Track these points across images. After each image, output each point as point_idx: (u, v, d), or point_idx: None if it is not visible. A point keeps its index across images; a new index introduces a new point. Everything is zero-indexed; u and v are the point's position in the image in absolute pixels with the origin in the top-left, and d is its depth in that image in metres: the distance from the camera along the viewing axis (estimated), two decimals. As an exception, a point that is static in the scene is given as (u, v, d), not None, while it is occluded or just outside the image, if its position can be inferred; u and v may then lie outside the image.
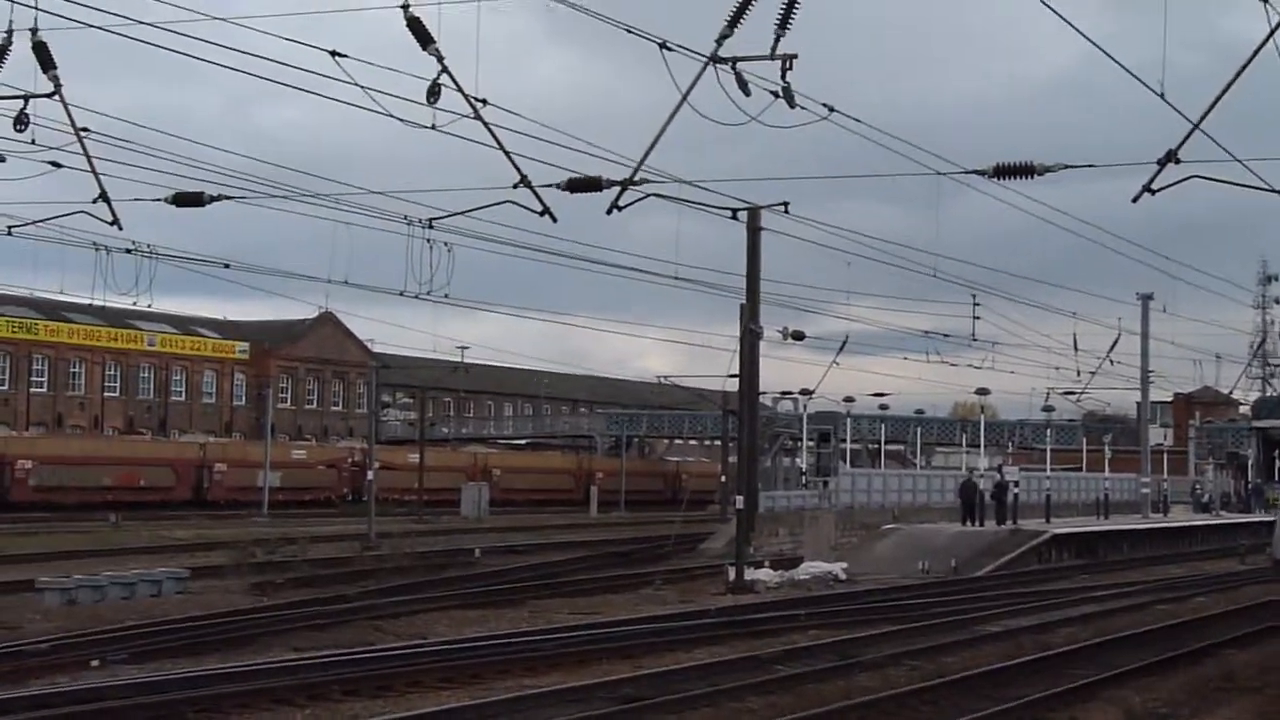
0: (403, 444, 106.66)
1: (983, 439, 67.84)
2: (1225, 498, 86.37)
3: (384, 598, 34.06)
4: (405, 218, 28.50)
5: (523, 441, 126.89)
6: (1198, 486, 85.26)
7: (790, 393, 78.44)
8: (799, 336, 54.85)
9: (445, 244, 27.64)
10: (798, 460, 70.55)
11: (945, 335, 65.56)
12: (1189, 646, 26.05)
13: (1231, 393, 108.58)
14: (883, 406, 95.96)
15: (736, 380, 48.02)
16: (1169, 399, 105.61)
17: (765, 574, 41.58)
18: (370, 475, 64.22)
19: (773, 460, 70.99)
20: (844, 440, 78.36)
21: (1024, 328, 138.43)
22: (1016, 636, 28.33)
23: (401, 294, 29.98)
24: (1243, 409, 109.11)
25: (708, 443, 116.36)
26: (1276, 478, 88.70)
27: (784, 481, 68.96)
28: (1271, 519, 49.44)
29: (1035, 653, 25.25)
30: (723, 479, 72.42)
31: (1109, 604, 35.39)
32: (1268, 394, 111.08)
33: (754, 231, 49.57)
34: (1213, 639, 27.26)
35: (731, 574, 40.15)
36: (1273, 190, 22.75)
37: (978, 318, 58.06)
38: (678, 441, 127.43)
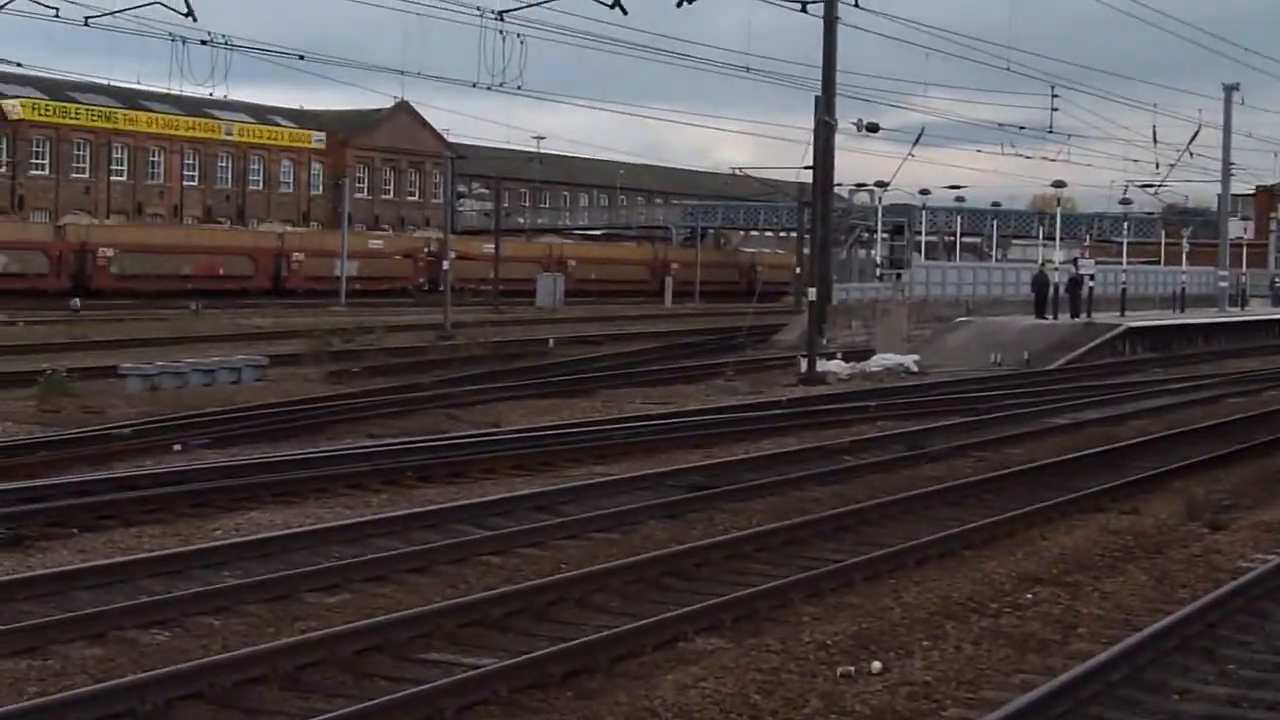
0: (478, 234, 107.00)
1: (1058, 232, 67.36)
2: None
3: (458, 386, 34.47)
4: (478, 9, 28.42)
5: (598, 232, 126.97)
6: (1277, 280, 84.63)
7: (865, 185, 78.13)
8: (874, 129, 54.50)
9: (518, 35, 27.60)
10: (872, 253, 70.44)
11: (1021, 128, 65.04)
12: (1256, 439, 26.17)
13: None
14: (958, 199, 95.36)
15: (811, 172, 47.92)
16: (1250, 191, 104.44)
17: (837, 365, 41.80)
18: (446, 265, 64.64)
19: (847, 252, 70.79)
20: (919, 233, 78.13)
21: (1102, 120, 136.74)
22: (1084, 429, 28.50)
23: (474, 85, 30.03)
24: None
25: (782, 234, 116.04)
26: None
27: (858, 274, 68.85)
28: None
29: (1102, 444, 25.43)
30: (797, 271, 72.44)
31: (1180, 397, 35.49)
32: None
33: (829, 23, 49.03)
34: (1279, 431, 27.37)
35: (803, 365, 40.39)
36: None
37: (1055, 109, 57.59)
38: (753, 233, 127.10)
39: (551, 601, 13.48)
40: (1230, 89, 69.21)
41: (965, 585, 14.60)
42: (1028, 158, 69.67)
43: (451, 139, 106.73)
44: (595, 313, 77.56)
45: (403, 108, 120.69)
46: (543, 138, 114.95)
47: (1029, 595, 14.32)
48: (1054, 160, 71.34)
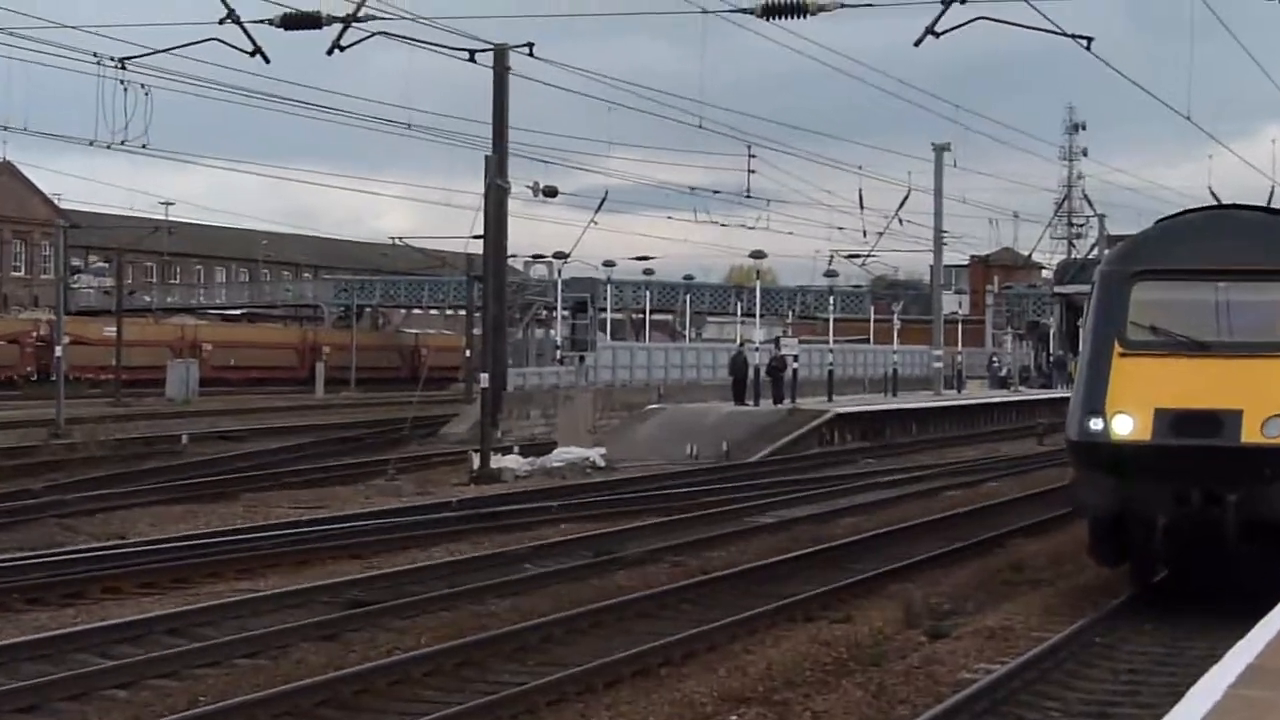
0: (98, 315, 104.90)
1: (758, 308, 68.74)
2: (1025, 371, 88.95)
3: (75, 492, 33.72)
4: (95, 55, 28.01)
5: (238, 311, 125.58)
6: (995, 359, 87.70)
7: (543, 256, 78.78)
8: (551, 193, 55.04)
9: (142, 86, 27.25)
10: (552, 332, 70.97)
11: (715, 191, 66.36)
12: (977, 537, 26.98)
13: (1032, 255, 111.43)
14: (647, 271, 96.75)
15: (482, 242, 48.10)
16: (965, 262, 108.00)
17: (513, 461, 41.91)
18: (59, 351, 63.17)
19: (524, 332, 71.29)
20: (604, 309, 79.01)
21: (805, 183, 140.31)
22: (792, 528, 29.04)
23: (92, 143, 29.49)
24: (1045, 273, 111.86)
25: (450, 313, 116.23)
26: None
27: (536, 356, 69.32)
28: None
29: (811, 545, 25.95)
30: (467, 354, 72.58)
31: (895, 491, 36.40)
32: (1073, 256, 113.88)
33: (499, 74, 49.48)
34: (1003, 528, 28.26)
35: (476, 461, 40.42)
36: (1060, 32, 23.37)
37: (753, 171, 58.82)
38: (416, 311, 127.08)
39: (188, 741, 13.21)
40: (941, 149, 71.42)
41: (662, 708, 14.71)
42: (723, 225, 71.11)
43: (64, 204, 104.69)
44: (236, 404, 76.61)
45: (5, 168, 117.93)
46: (172, 203, 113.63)
47: (734, 717, 14.49)
48: (752, 228, 72.92)
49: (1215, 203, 23.37)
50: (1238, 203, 22.33)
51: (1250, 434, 18.31)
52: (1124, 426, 18.78)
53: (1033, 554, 25.44)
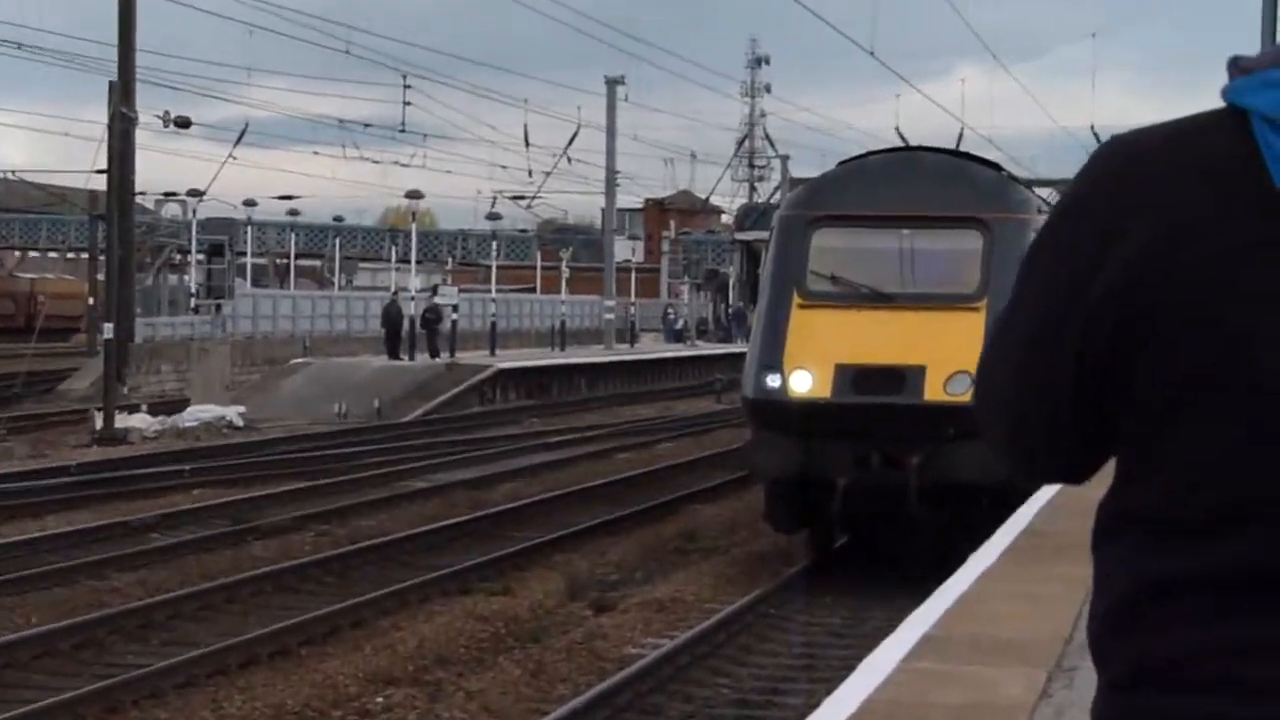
0: None
1: (414, 253, 68.62)
2: (703, 324, 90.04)
3: None
4: None
5: None
6: (671, 311, 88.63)
7: (176, 194, 77.62)
8: (184, 124, 54.32)
9: None
10: (186, 279, 70.05)
11: (367, 125, 66.06)
12: (648, 502, 27.32)
13: (710, 199, 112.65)
14: (293, 212, 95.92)
15: (106, 177, 47.21)
16: (639, 205, 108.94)
17: (141, 420, 41.35)
18: None
19: (155, 278, 70.20)
20: (243, 254, 78.16)
21: (466, 118, 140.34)
22: (448, 493, 29.13)
23: None
24: (725, 218, 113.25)
25: (71, 256, 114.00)
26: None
27: (169, 305, 68.34)
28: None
29: (469, 512, 26.07)
30: (90, 301, 71.27)
31: (561, 453, 36.66)
32: (754, 200, 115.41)
33: (128, -12, 48.54)
34: (676, 493, 28.67)
35: (99, 421, 39.81)
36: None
37: (409, 103, 58.71)
38: (33, 254, 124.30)
39: None
40: (614, 83, 71.91)
41: (302, 690, 14.70)
42: (376, 162, 70.93)
43: None
44: None
45: None
46: None
47: (380, 699, 14.53)
48: (408, 165, 73.03)
49: (902, 145, 23.94)
50: (925, 145, 22.91)
51: (933, 391, 18.83)
52: (802, 383, 19.16)
53: (707, 521, 25.89)
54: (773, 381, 19.29)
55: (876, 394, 18.93)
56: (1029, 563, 12.69)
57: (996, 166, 23.05)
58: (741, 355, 22.69)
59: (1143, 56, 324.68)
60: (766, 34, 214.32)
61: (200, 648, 16.10)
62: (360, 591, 19.26)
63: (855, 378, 19.00)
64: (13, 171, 74.44)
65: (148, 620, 17.56)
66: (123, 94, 45.78)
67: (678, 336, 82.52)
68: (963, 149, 25.65)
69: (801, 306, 19.64)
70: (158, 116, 53.39)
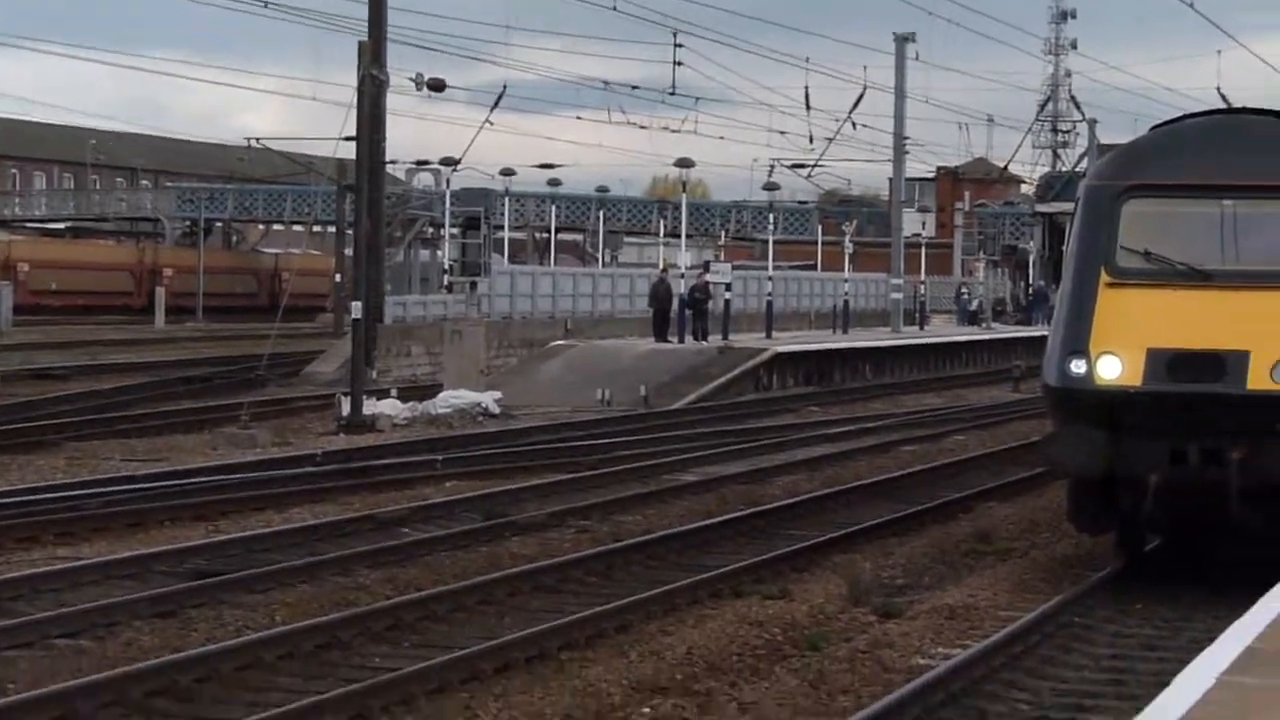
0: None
1: (684, 227, 68.75)
2: (999, 305, 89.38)
3: None
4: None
5: (61, 225, 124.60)
6: (965, 291, 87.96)
7: (429, 163, 78.53)
8: (438, 86, 54.78)
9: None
10: (439, 254, 70.83)
11: (634, 87, 66.22)
12: (937, 500, 27.14)
13: (1009, 167, 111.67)
14: (553, 182, 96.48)
15: (355, 145, 47.83)
16: (930, 175, 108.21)
17: (391, 406, 41.82)
18: None
19: (405, 254, 71.12)
20: (501, 228, 78.89)
21: (742, 80, 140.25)
22: (720, 488, 29.14)
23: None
24: (1025, 188, 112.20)
25: (317, 230, 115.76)
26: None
27: (420, 283, 69.19)
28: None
29: (743, 508, 26.06)
30: (337, 279, 72.31)
31: (842, 445, 36.54)
32: (1058, 168, 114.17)
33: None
34: (968, 490, 28.44)
35: (345, 407, 40.32)
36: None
37: (679, 64, 58.78)
38: (277, 228, 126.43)
39: (-7, 737, 13.22)
40: (903, 40, 71.45)
41: (562, 698, 14.78)
42: (644, 127, 71.11)
43: None
44: (58, 336, 76.12)
45: None
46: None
47: (646, 710, 14.57)
48: (678, 131, 72.95)
49: (1224, 106, 23.49)
50: (1249, 106, 22.45)
51: (1258, 379, 18.47)
52: (1111, 370, 18.90)
53: (1003, 520, 25.66)
54: (1078, 368, 19.04)
55: (1194, 382, 18.61)
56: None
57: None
58: (1042, 339, 22.40)
59: None
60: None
61: (453, 651, 16.24)
62: (625, 593, 19.31)
63: (1170, 364, 18.69)
64: (257, 139, 75.75)
65: (397, 620, 17.75)
66: (373, 55, 46.31)
67: (972, 318, 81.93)
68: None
69: (1110, 285, 19.35)
70: (410, 79, 53.98)
